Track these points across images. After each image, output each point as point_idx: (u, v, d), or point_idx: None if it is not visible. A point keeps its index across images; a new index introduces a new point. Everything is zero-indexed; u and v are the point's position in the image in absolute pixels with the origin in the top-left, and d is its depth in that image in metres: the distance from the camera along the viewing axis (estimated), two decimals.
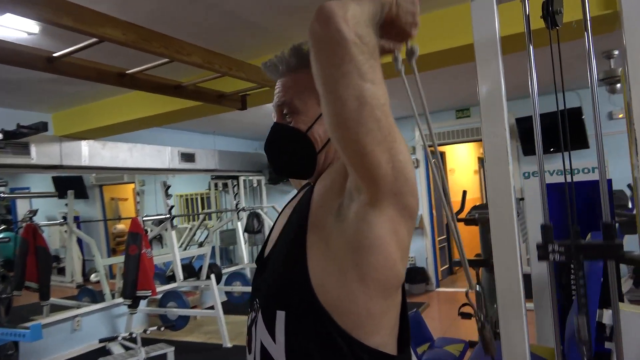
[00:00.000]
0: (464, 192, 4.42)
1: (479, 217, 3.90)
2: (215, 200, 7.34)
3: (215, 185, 7.32)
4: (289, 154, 0.97)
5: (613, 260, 1.52)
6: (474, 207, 4.29)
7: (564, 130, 1.44)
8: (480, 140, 7.11)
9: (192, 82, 3.05)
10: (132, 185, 7.60)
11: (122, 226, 9.19)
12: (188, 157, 6.01)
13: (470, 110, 6.32)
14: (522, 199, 4.96)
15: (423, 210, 6.69)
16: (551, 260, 1.50)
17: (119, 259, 5.58)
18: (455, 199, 7.92)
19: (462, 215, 4.22)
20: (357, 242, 0.79)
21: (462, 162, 8.38)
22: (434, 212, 6.84)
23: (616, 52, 4.13)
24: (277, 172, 1.02)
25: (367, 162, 0.74)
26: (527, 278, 1.73)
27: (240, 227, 6.20)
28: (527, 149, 5.76)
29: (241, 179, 6.90)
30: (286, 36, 3.18)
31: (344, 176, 0.83)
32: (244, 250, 6.25)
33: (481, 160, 9.12)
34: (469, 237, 8.31)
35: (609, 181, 4.03)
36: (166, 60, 2.37)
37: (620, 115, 5.30)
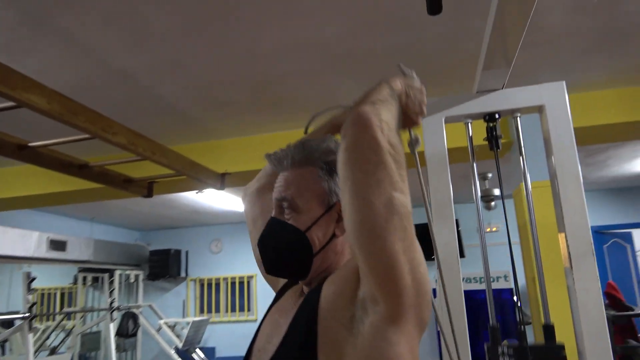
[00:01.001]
0: None
1: None
2: (81, 297, 6.39)
3: (84, 279, 6.43)
4: (284, 253, 0.90)
5: None
6: None
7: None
8: None
9: (99, 164, 2.78)
10: None
11: None
12: (58, 245, 5.27)
13: None
14: None
15: None
16: None
17: None
18: None
19: None
20: None
21: None
22: None
23: (490, 174, 4.81)
24: (269, 270, 0.93)
25: (391, 273, 0.70)
26: None
27: (112, 329, 5.39)
28: None
29: (117, 272, 6.17)
30: (210, 127, 3.16)
31: (355, 284, 0.76)
32: (114, 358, 5.38)
33: None
34: None
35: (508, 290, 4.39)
36: (86, 136, 2.14)
37: (494, 229, 6.01)
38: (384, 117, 0.74)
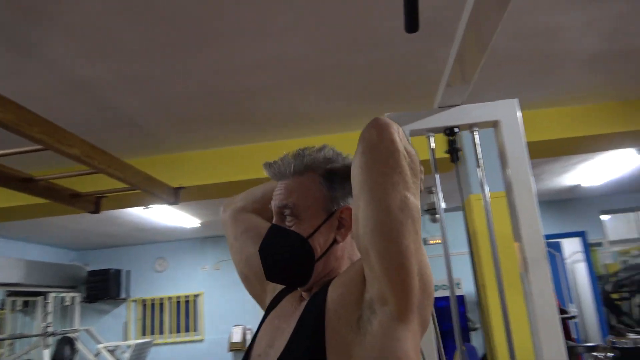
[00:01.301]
0: None
1: None
2: (9, 323, 5.88)
3: (13, 303, 5.94)
4: (287, 260, 0.90)
5: None
6: None
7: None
8: None
9: (46, 177, 2.63)
10: None
11: None
12: None
13: None
14: None
15: None
16: None
17: None
18: None
19: None
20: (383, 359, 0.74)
21: None
22: None
23: (434, 188, 5.02)
24: (270, 276, 0.94)
25: (403, 273, 0.73)
26: None
27: (47, 356, 5.02)
28: None
29: (51, 295, 5.76)
30: (166, 140, 3.09)
31: (361, 287, 0.79)
32: None
33: None
34: None
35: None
36: (38, 147, 2.03)
37: (438, 241, 6.24)
38: (400, 129, 0.78)
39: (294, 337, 0.83)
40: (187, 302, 6.83)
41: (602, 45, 2.37)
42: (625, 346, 2.44)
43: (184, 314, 6.79)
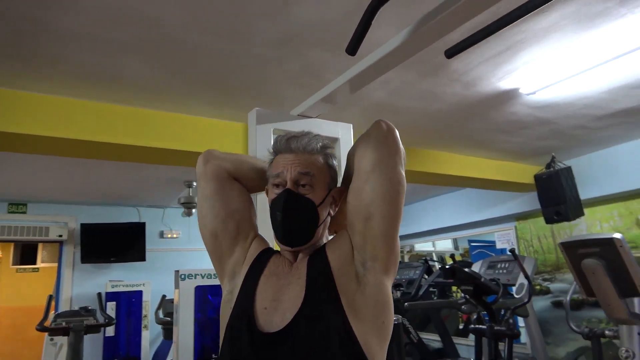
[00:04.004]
0: (50, 297, 3.82)
1: (74, 325, 3.47)
2: None
3: None
4: (302, 222, 1.08)
5: None
6: (58, 315, 3.79)
7: None
8: (38, 242, 6.28)
9: None
10: None
11: None
12: None
13: (27, 207, 5.64)
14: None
15: None
16: None
17: None
18: None
19: (47, 323, 3.63)
20: (381, 304, 1.02)
21: None
22: None
23: (195, 183, 5.13)
24: (284, 236, 1.06)
25: (394, 232, 1.05)
26: None
27: None
28: (86, 255, 5.61)
29: None
30: None
31: (350, 250, 1.06)
32: None
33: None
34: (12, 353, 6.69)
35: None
36: None
37: (175, 235, 6.25)
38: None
39: (310, 289, 1.01)
40: None
41: (388, 99, 3.09)
42: None
43: None
